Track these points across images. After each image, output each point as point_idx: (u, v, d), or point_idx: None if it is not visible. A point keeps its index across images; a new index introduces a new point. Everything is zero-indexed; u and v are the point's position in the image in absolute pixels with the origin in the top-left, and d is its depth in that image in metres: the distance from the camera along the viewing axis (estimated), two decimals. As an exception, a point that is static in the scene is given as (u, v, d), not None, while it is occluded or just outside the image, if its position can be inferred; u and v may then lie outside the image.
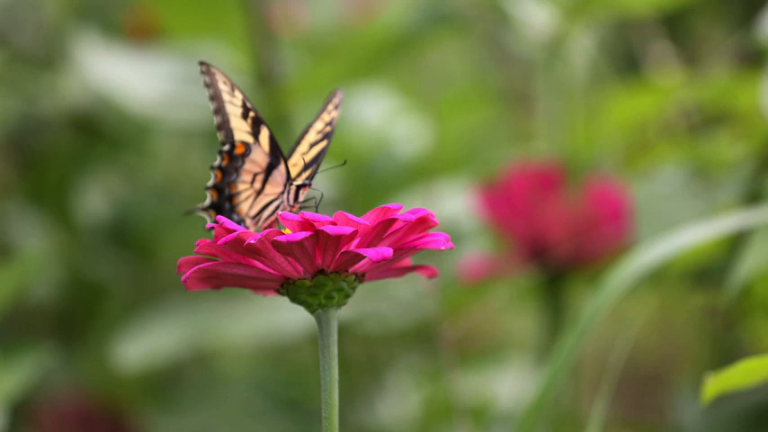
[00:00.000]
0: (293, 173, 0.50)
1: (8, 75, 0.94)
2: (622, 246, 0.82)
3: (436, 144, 1.02)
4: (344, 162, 0.55)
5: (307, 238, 0.43)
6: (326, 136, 0.51)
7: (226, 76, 0.49)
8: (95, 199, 1.00)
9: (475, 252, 0.90)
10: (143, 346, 0.87)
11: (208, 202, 0.49)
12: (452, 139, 1.06)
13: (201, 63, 0.49)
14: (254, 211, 0.49)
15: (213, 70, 0.49)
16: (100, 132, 0.99)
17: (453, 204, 0.94)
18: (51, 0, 0.99)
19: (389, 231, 0.44)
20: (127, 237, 1.00)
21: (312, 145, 0.51)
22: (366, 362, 1.03)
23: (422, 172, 0.99)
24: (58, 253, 0.97)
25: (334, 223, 0.43)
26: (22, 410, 0.92)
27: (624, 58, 1.05)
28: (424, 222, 0.44)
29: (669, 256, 0.57)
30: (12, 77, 0.95)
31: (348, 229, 0.42)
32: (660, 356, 1.19)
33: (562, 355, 0.55)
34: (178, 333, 0.88)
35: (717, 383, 0.50)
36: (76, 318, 1.00)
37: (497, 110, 1.12)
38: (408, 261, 0.47)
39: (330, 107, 0.52)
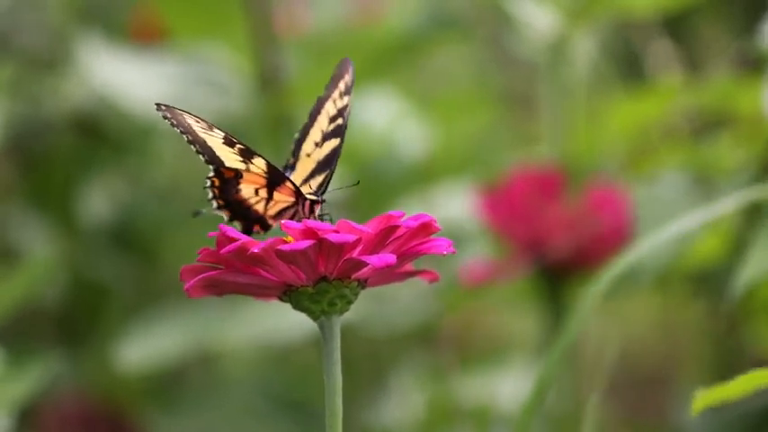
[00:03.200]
0: (307, 168, 0.49)
1: (12, 77, 0.94)
2: (624, 249, 0.82)
3: (440, 147, 1.02)
4: (358, 182, 0.55)
5: (310, 246, 0.43)
6: (338, 132, 0.50)
7: (199, 117, 0.47)
8: (98, 201, 1.00)
9: (477, 255, 0.90)
10: (145, 347, 0.88)
11: (216, 206, 0.48)
12: (456, 142, 1.06)
13: (158, 105, 0.47)
14: (272, 213, 0.48)
15: (175, 111, 0.47)
16: (103, 135, 1.00)
17: (456, 207, 0.94)
18: (55, 2, 0.99)
19: (392, 237, 0.44)
20: (130, 239, 1.01)
21: (325, 136, 0.50)
22: (369, 363, 1.03)
23: (426, 174, 1.00)
24: (61, 255, 0.97)
25: (336, 231, 0.43)
26: (25, 412, 0.93)
27: (626, 61, 1.05)
28: (426, 228, 0.44)
29: (669, 249, 0.57)
30: (15, 80, 0.95)
31: (351, 237, 0.43)
32: (662, 358, 1.19)
33: (555, 352, 0.55)
34: (181, 335, 0.88)
35: (708, 397, 0.49)
36: (79, 320, 1.00)
37: (500, 112, 1.12)
38: (410, 266, 0.48)
39: (341, 86, 0.50)
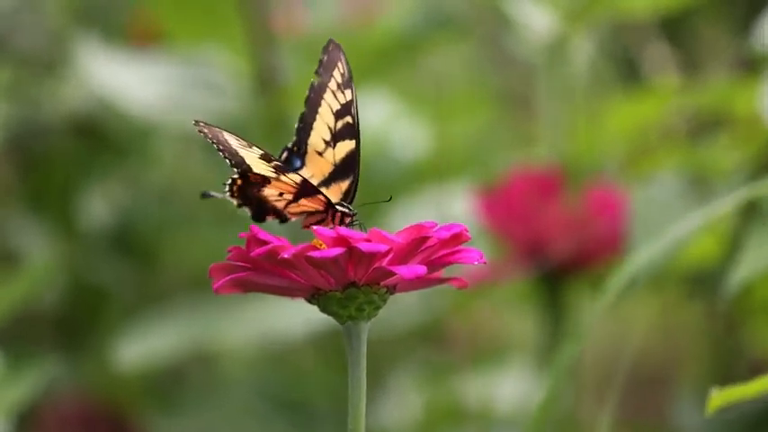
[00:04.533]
0: (322, 169, 0.49)
1: (10, 79, 0.94)
2: (622, 251, 0.82)
3: (437, 147, 1.02)
4: (390, 198, 0.54)
5: (340, 254, 0.43)
6: (351, 133, 0.49)
7: (238, 135, 0.46)
8: (97, 203, 1.00)
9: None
10: (144, 347, 0.88)
11: (229, 195, 0.47)
12: (454, 142, 1.06)
13: (197, 122, 0.46)
14: (294, 211, 0.47)
15: (213, 128, 0.46)
16: (102, 137, 1.00)
17: (454, 208, 0.94)
18: (54, 5, 0.99)
19: (423, 247, 0.44)
20: (129, 241, 1.01)
21: (336, 135, 0.49)
22: (368, 363, 1.03)
23: (423, 176, 1.00)
24: (61, 258, 0.97)
25: (368, 240, 0.43)
26: (25, 413, 0.93)
27: (625, 62, 1.05)
28: (457, 238, 0.44)
29: (669, 252, 0.57)
30: (13, 82, 0.95)
31: (382, 247, 0.42)
32: (661, 359, 1.19)
33: (562, 362, 0.55)
34: (179, 335, 0.88)
35: (721, 397, 0.50)
36: (79, 321, 1.00)
37: (498, 113, 1.12)
38: (440, 273, 0.47)
39: (337, 76, 0.49)
